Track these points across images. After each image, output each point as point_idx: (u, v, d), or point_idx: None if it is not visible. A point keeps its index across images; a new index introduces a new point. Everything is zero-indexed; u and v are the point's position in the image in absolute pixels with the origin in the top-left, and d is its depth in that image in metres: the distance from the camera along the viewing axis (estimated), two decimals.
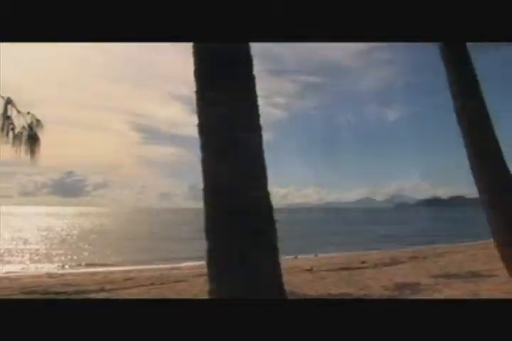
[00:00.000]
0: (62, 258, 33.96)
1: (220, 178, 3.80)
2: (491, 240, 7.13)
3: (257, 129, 3.98)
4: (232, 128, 3.84)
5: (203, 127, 3.98)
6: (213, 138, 3.89)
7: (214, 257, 3.78)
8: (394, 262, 20.75)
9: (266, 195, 3.89)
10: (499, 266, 7.80)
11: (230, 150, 3.79)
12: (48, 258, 34.23)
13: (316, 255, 30.89)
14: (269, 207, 3.87)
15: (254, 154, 3.89)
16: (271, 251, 3.78)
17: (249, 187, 3.76)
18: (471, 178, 7.16)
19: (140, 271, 23.23)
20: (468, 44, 7.89)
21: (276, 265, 3.81)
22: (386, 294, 11.68)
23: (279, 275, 3.82)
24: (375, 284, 13.33)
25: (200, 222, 3.90)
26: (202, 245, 3.92)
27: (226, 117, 3.86)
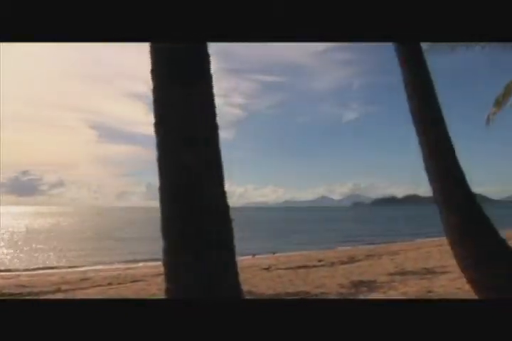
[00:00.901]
0: (16, 259, 33.16)
1: (176, 177, 3.78)
2: (444, 238, 7.27)
3: (213, 128, 3.97)
4: (189, 127, 3.82)
5: (159, 126, 3.94)
6: (169, 137, 3.86)
7: (170, 256, 3.76)
8: (351, 260, 21.05)
9: (222, 194, 3.88)
10: (452, 262, 7.97)
11: (186, 149, 3.77)
12: (2, 259, 33.40)
13: (273, 253, 31.00)
14: (225, 205, 3.87)
15: (210, 153, 3.88)
16: (227, 250, 3.77)
17: (206, 186, 3.75)
18: (425, 178, 7.30)
19: (97, 271, 22.94)
20: (424, 45, 8.03)
21: (232, 264, 3.80)
22: (342, 292, 11.82)
23: (236, 275, 3.81)
24: (332, 282, 13.48)
25: (157, 221, 3.88)
26: (159, 245, 3.88)
27: (182, 116, 3.83)
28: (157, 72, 4.02)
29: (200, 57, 4.04)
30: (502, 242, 6.81)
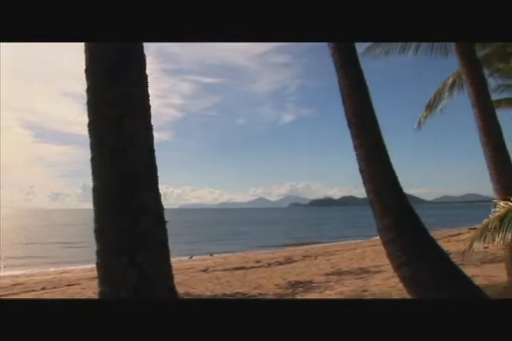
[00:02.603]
0: None
1: (109, 178, 3.71)
2: (378, 238, 7.46)
3: (148, 129, 3.92)
4: (123, 127, 3.76)
5: (92, 126, 3.86)
6: (103, 138, 3.79)
7: (103, 259, 3.69)
8: (287, 261, 21.25)
9: (156, 195, 3.83)
10: (386, 261, 8.19)
11: (119, 150, 3.71)
12: None
13: (211, 255, 30.90)
14: (159, 207, 3.82)
15: (144, 154, 3.83)
16: (161, 252, 3.74)
17: (139, 187, 3.69)
18: (360, 179, 7.45)
19: (30, 275, 22.22)
20: (359, 49, 8.22)
21: (166, 266, 3.76)
22: (279, 292, 11.93)
23: (170, 277, 3.78)
24: (269, 283, 13.58)
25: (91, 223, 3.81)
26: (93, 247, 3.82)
27: (116, 116, 3.77)
28: (91, 72, 3.93)
29: (135, 57, 3.99)
30: (431, 241, 7.04)
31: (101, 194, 3.79)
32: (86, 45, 3.98)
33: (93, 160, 3.84)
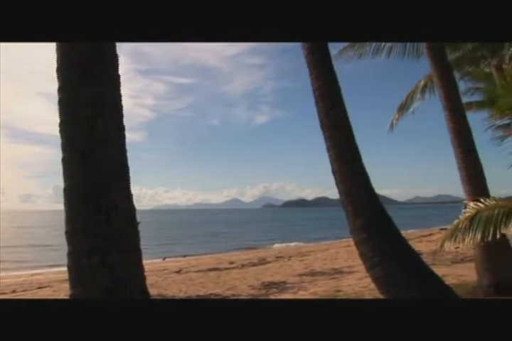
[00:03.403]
0: None
1: (80, 179, 3.67)
2: (351, 238, 7.51)
3: (120, 129, 3.89)
4: (94, 127, 3.71)
5: (64, 126, 3.82)
6: (74, 138, 3.74)
7: (74, 260, 3.65)
8: (261, 262, 21.25)
9: (128, 196, 3.80)
10: (358, 262, 8.25)
11: (90, 150, 3.67)
12: None
13: (184, 256, 30.73)
14: (131, 208, 3.80)
15: (116, 154, 3.80)
16: (133, 253, 3.71)
17: (110, 188, 3.66)
18: (333, 180, 7.48)
19: (0, 277, 21.83)
20: (333, 51, 8.26)
21: (138, 268, 3.74)
22: (253, 293, 11.93)
23: (142, 278, 3.75)
24: (243, 284, 13.57)
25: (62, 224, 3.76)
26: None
27: (88, 117, 3.72)
28: (63, 71, 3.89)
29: (107, 56, 3.96)
30: (403, 242, 7.11)
31: (72, 194, 3.74)
32: (57, 44, 3.93)
33: (64, 160, 3.80)
